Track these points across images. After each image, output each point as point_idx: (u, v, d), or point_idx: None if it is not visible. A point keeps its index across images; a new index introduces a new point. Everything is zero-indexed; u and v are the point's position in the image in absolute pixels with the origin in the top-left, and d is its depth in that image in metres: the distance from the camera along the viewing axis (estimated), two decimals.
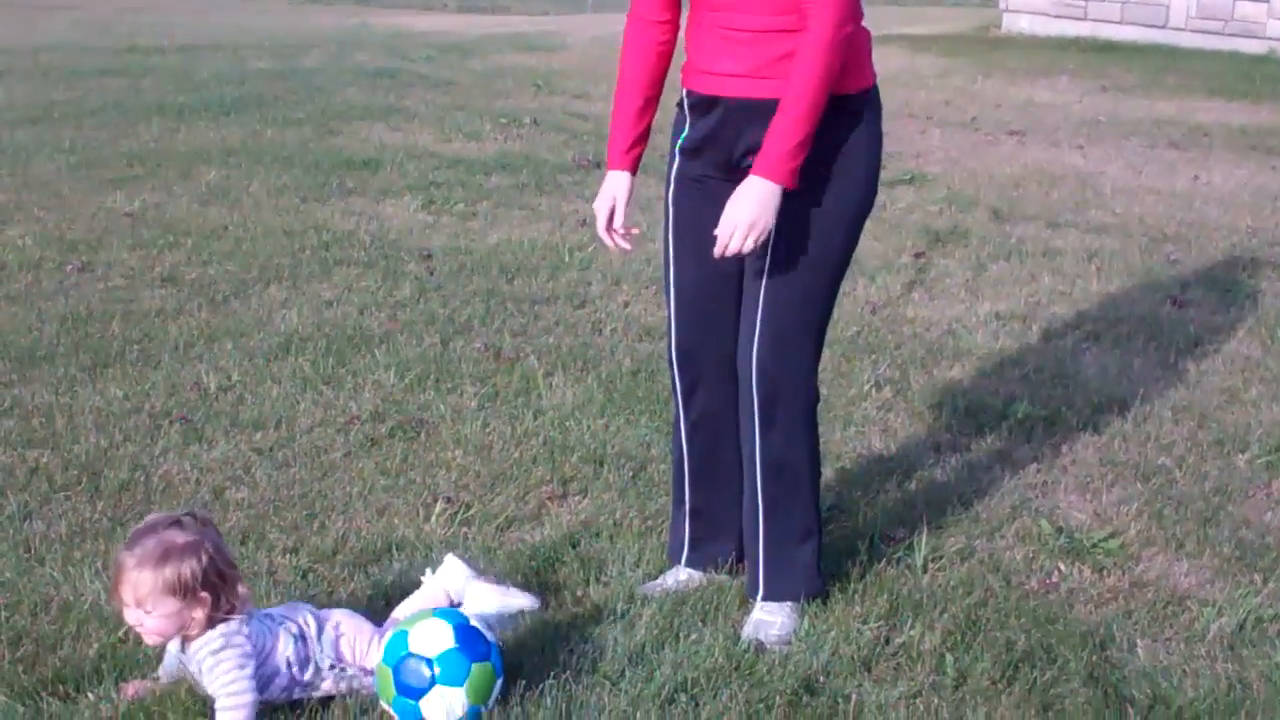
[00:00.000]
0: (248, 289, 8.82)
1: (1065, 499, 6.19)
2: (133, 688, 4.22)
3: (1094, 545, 5.66)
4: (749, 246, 4.52)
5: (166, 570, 3.96)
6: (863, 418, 7.03)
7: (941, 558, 5.46)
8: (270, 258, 9.59)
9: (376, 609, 4.74)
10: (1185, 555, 5.67)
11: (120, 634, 4.47)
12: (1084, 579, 5.42)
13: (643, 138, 5.10)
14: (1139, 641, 4.93)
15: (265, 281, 8.99)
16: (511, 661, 4.32)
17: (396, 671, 4.16)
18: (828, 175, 4.62)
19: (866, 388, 7.47)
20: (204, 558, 3.99)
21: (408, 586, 4.89)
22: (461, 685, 4.14)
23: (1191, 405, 7.46)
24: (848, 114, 4.62)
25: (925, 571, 5.35)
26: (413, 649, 4.18)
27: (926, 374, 7.81)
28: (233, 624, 4.08)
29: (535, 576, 5.13)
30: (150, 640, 4.12)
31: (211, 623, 4.04)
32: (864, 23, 4.57)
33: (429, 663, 4.15)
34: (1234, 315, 9.31)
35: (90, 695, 4.17)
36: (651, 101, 5.03)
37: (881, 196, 12.85)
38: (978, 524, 5.84)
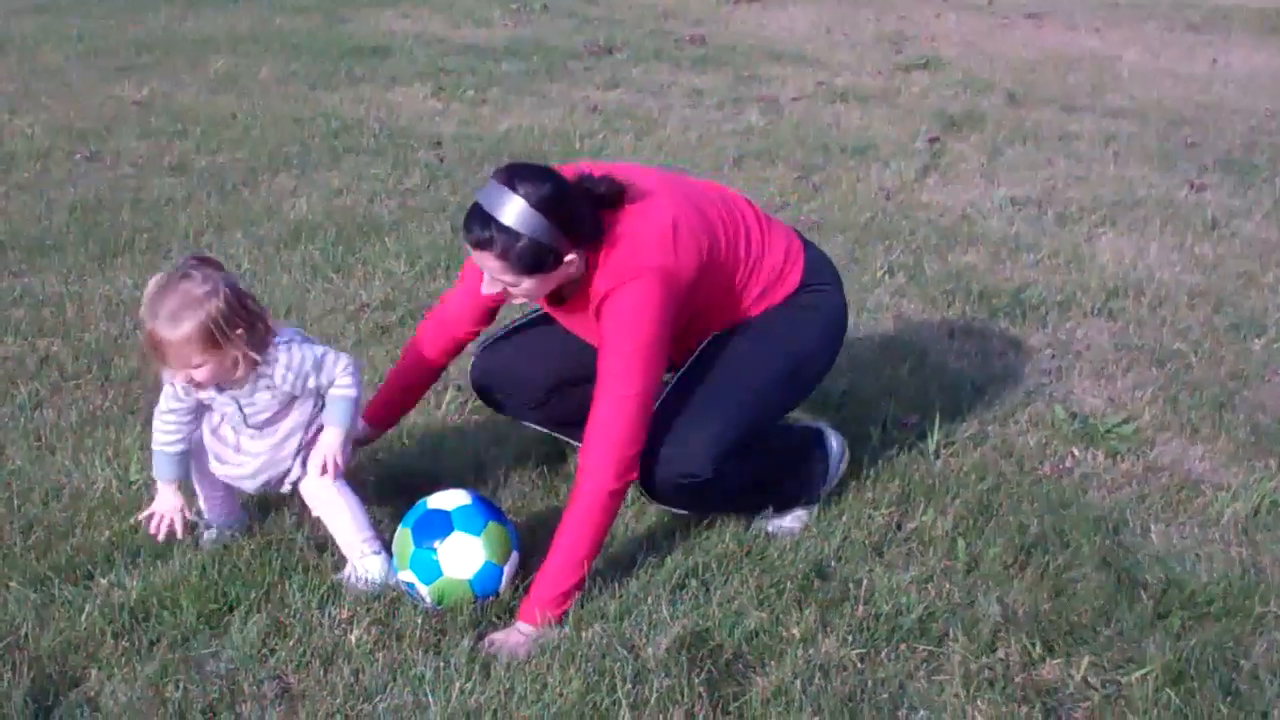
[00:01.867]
0: (257, 177, 8.78)
1: (1079, 384, 6.16)
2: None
3: (1108, 430, 5.63)
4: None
5: (200, 319, 3.94)
6: (876, 304, 6.99)
7: (954, 443, 5.44)
8: (279, 146, 9.55)
9: (387, 495, 4.74)
10: (1200, 440, 5.65)
11: (131, 521, 4.47)
12: (1098, 464, 5.40)
13: (395, 415, 4.96)
14: (1152, 526, 4.92)
15: (274, 170, 8.95)
16: (525, 546, 4.31)
17: (415, 526, 4.22)
18: (788, 319, 4.57)
19: (880, 273, 7.43)
20: (224, 295, 3.98)
21: (418, 474, 4.89)
22: (479, 535, 4.17)
23: (1208, 290, 7.42)
24: (791, 304, 4.60)
25: (938, 457, 5.33)
26: (431, 506, 4.28)
27: (940, 259, 7.77)
28: (284, 336, 4.17)
29: (545, 465, 5.12)
30: (205, 387, 4.11)
31: (251, 361, 4.08)
32: None
33: (446, 514, 4.22)
34: (1252, 198, 9.25)
35: (103, 581, 4.18)
36: (418, 391, 4.97)
37: (896, 81, 12.83)
38: (991, 409, 5.81)
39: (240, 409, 4.18)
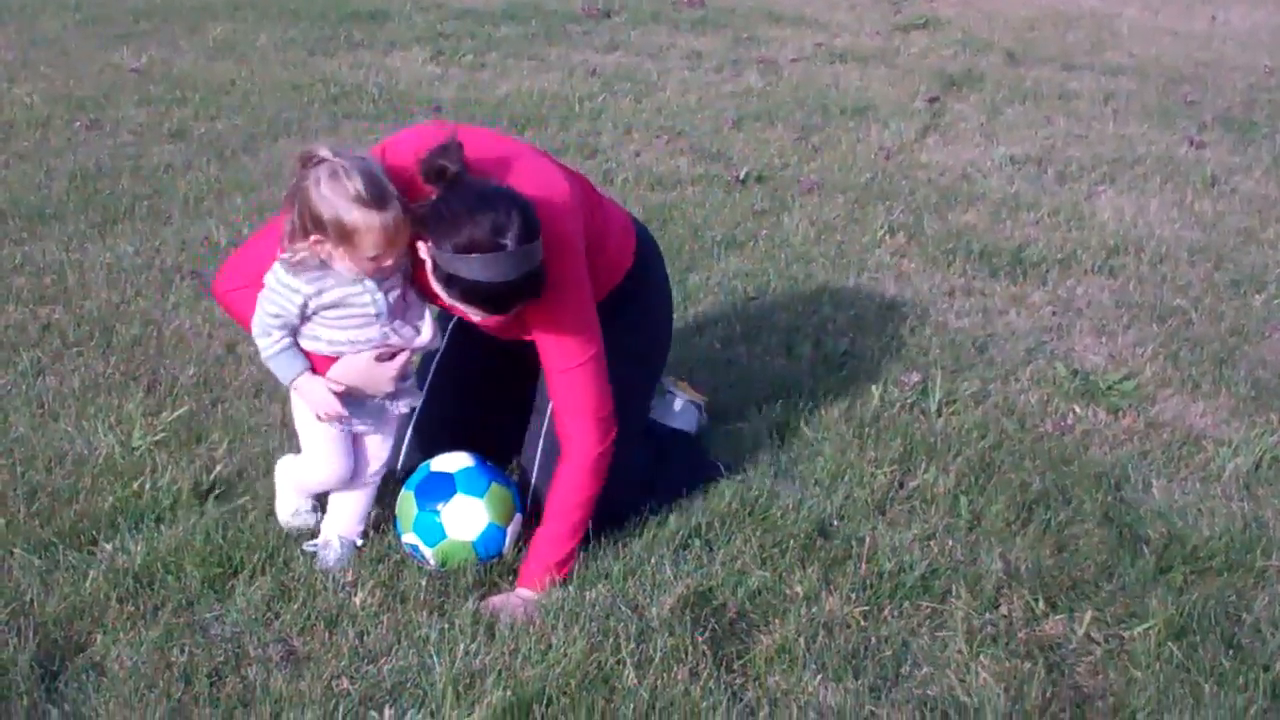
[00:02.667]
0: (256, 143, 8.77)
1: (1080, 342, 6.17)
2: None
3: (1109, 387, 5.64)
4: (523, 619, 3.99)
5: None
6: (877, 264, 6.99)
7: (955, 401, 5.44)
8: (279, 112, 9.54)
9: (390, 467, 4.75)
10: (1201, 396, 5.65)
11: (135, 486, 4.49)
12: (1099, 421, 5.41)
13: None
14: (1154, 482, 4.92)
15: (274, 135, 8.94)
16: (527, 508, 4.32)
17: (418, 490, 4.22)
18: (621, 315, 4.36)
19: (880, 233, 7.42)
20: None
21: None
22: (481, 497, 4.17)
23: (1208, 246, 7.42)
24: (626, 291, 4.43)
25: (939, 415, 5.34)
26: (434, 469, 4.27)
27: (941, 219, 7.76)
28: None
29: None
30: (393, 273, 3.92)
31: None
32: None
33: (449, 476, 4.22)
34: (1251, 155, 9.24)
35: (107, 546, 4.18)
36: None
37: (895, 41, 12.78)
38: (992, 368, 5.82)
39: (384, 288, 3.94)
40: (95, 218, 7.22)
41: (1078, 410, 5.48)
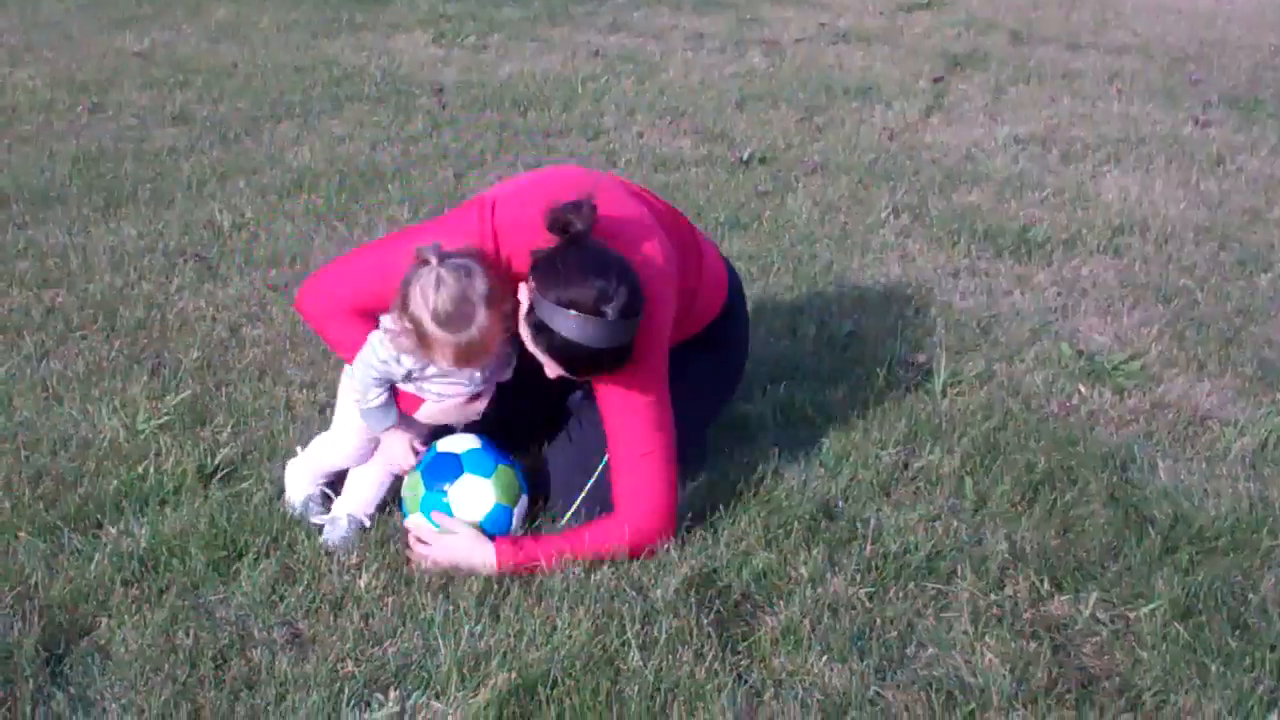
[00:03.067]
0: (259, 126, 8.76)
1: (1085, 322, 6.15)
2: None
3: (1115, 367, 5.63)
4: (426, 563, 4.09)
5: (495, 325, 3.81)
6: (881, 244, 6.98)
7: (960, 382, 5.43)
8: (281, 94, 9.53)
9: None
10: (1207, 376, 5.64)
11: (140, 470, 4.48)
12: (1104, 401, 5.39)
13: None
14: (1160, 462, 4.91)
15: (276, 118, 8.94)
16: (534, 489, 4.31)
17: (425, 469, 4.21)
18: (695, 354, 4.42)
19: (884, 214, 7.41)
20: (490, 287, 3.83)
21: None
22: (489, 477, 4.16)
23: (1214, 226, 7.40)
24: (713, 331, 4.53)
25: (944, 396, 5.33)
26: (441, 449, 4.25)
27: (945, 199, 7.75)
28: None
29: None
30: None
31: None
32: None
33: (456, 457, 4.20)
34: (1257, 134, 9.21)
35: (112, 529, 4.18)
36: None
37: (899, 21, 12.74)
38: (997, 348, 5.80)
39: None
40: (98, 201, 7.22)
41: (1083, 390, 5.47)
